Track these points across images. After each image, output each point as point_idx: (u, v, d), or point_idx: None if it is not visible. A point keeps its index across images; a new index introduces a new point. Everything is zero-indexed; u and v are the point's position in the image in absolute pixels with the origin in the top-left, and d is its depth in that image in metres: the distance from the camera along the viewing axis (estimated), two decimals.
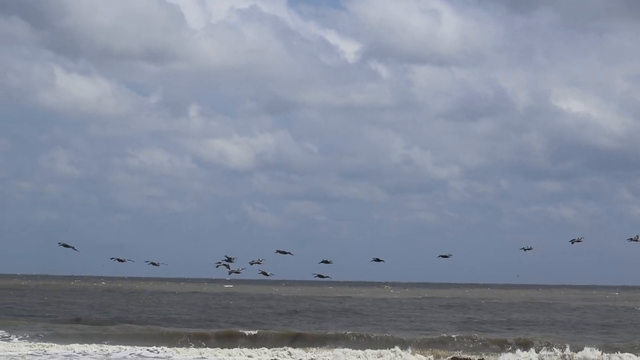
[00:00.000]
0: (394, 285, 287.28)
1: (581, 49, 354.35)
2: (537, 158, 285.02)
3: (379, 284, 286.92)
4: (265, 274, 50.10)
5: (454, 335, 70.99)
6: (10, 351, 62.45)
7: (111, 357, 61.33)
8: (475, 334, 72.58)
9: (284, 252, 49.98)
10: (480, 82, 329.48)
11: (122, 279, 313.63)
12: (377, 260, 51.08)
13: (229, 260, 50.11)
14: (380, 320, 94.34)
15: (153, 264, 51.23)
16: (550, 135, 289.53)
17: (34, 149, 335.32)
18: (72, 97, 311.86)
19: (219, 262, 50.28)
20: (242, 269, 49.97)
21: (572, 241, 50.98)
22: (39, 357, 59.93)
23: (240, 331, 74.08)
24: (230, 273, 50.09)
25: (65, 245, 49.24)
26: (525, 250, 51.17)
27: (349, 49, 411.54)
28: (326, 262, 50.99)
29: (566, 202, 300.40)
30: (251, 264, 49.87)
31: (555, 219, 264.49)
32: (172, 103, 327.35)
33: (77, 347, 64.38)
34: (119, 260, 50.95)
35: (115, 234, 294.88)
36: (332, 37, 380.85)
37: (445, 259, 51.06)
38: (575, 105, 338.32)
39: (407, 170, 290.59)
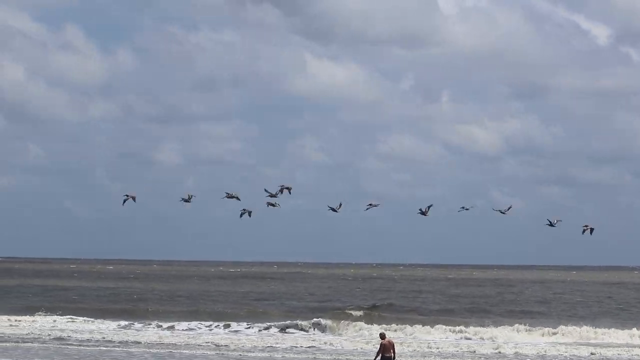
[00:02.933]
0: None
1: None
2: None
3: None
4: (272, 204, 49.39)
5: None
6: None
7: None
8: None
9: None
10: None
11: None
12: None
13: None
14: None
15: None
16: None
17: (284, 136, 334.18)
18: (322, 83, 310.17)
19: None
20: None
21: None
22: None
23: None
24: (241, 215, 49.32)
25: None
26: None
27: (601, 33, 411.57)
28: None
29: None
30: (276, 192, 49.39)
31: None
32: (423, 88, 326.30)
33: None
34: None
35: (363, 220, 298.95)
36: (581, 20, 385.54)
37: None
38: None
39: None
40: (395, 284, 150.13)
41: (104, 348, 55.98)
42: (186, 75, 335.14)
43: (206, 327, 73.10)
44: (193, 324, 73.98)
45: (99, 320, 75.62)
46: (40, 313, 79.48)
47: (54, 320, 75.27)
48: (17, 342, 58.50)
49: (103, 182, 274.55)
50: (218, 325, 73.61)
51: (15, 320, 73.36)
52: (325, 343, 61.62)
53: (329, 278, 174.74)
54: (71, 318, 77.15)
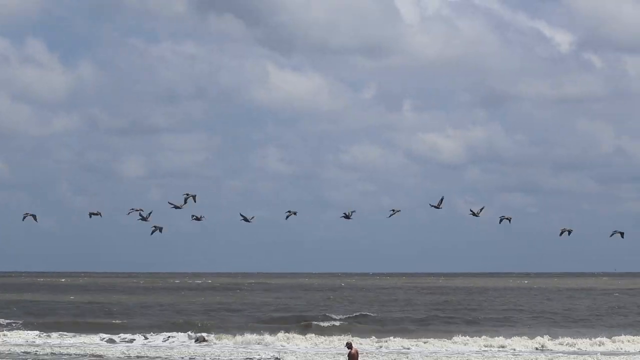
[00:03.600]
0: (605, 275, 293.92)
1: None
2: None
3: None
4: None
5: None
6: None
7: None
8: None
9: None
10: None
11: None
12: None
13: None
14: None
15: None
16: None
17: (247, 147, 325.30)
18: (285, 93, 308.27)
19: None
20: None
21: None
22: None
23: None
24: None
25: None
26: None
27: (563, 40, 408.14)
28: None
29: None
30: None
31: None
32: (386, 97, 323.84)
33: None
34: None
35: (326, 230, 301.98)
36: (543, 27, 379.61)
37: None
38: None
39: (618, 161, 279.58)
40: (368, 292, 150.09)
41: None
42: (148, 87, 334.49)
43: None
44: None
45: None
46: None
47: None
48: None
49: (66, 196, 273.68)
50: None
51: None
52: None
53: (294, 288, 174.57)
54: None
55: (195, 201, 50.29)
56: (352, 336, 68.33)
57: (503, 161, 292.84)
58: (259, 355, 61.07)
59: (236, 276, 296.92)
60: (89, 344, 68.22)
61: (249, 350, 64.88)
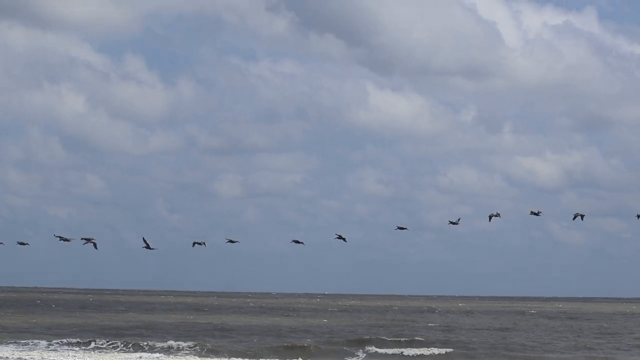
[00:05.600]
0: None
1: None
2: None
3: None
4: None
5: None
6: None
7: None
8: None
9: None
10: None
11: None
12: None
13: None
14: None
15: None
16: None
17: (344, 168, 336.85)
18: (384, 115, 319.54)
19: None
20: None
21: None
22: None
23: None
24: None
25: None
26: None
27: None
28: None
29: None
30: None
31: None
32: (486, 120, 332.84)
33: None
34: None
35: (421, 253, 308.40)
36: None
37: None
38: None
39: None
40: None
41: None
42: (247, 106, 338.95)
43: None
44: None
45: None
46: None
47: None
48: None
49: (162, 214, 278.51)
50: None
51: None
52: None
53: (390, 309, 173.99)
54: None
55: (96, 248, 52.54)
56: None
57: (599, 186, 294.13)
58: None
59: (351, 298, 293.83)
60: None
61: None
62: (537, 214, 53.05)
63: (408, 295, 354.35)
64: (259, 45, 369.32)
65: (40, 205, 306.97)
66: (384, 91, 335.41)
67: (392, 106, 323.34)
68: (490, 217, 52.53)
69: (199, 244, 54.43)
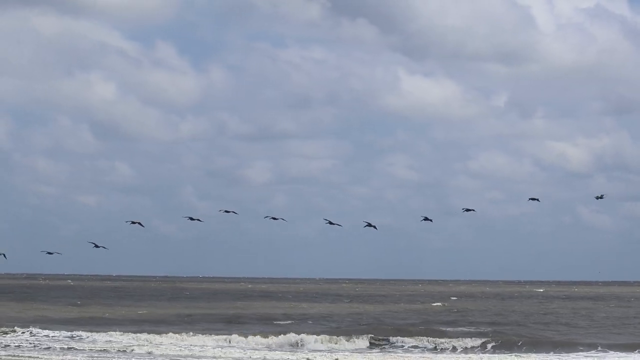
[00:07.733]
0: None
1: None
2: None
3: None
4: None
5: None
6: None
7: None
8: None
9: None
10: None
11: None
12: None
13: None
14: None
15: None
16: None
17: (375, 153, 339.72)
18: (416, 100, 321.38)
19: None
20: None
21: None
22: None
23: None
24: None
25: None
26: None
27: None
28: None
29: None
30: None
31: None
32: (518, 105, 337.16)
33: None
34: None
35: (450, 239, 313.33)
36: None
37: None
38: None
39: None
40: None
41: None
42: (278, 92, 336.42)
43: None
44: None
45: None
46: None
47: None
48: None
49: (191, 200, 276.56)
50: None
51: None
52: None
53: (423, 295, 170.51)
54: None
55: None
56: None
57: (629, 170, 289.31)
58: None
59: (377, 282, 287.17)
60: None
61: None
62: (536, 200, 56.51)
63: (446, 280, 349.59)
64: (290, 30, 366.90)
65: (69, 194, 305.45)
66: (416, 76, 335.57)
67: (424, 92, 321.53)
68: (597, 197, 51.95)
69: (194, 219, 52.90)
